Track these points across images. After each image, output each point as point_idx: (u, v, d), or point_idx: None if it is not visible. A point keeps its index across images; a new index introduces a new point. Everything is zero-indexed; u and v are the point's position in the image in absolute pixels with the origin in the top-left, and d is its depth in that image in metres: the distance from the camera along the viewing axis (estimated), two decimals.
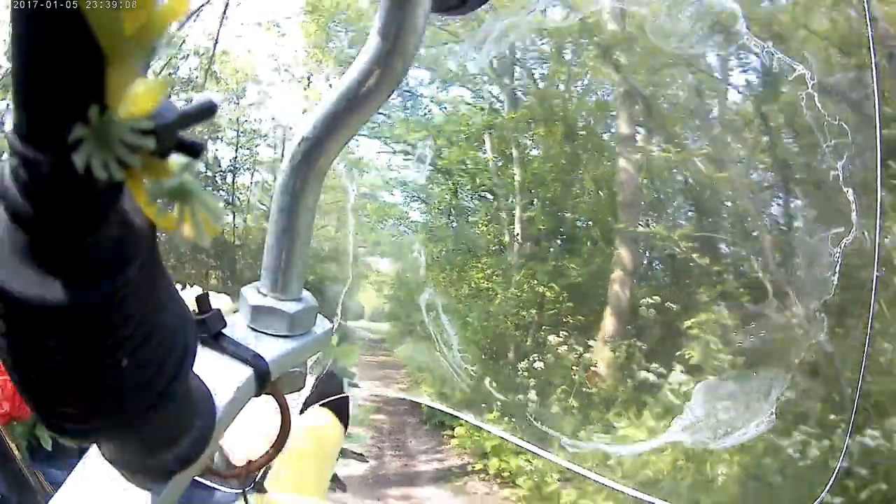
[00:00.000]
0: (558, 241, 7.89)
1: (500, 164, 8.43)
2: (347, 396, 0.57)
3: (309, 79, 10.17)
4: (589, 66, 7.23)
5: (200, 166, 0.25)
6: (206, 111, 0.22)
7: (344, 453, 1.02)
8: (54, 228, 0.21)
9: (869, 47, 3.97)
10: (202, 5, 9.28)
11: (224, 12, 9.48)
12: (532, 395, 5.59)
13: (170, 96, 0.20)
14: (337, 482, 0.99)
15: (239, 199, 10.44)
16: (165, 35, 0.19)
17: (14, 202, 0.21)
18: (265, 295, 0.44)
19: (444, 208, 9.73)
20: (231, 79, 9.90)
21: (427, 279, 8.82)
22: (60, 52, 0.18)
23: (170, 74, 9.44)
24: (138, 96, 0.19)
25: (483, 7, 0.42)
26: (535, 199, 7.88)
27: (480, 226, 8.89)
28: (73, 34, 0.18)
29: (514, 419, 5.60)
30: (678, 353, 5.14)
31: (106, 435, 0.30)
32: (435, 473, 5.54)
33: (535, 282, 6.80)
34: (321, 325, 0.46)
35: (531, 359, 5.97)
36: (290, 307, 0.43)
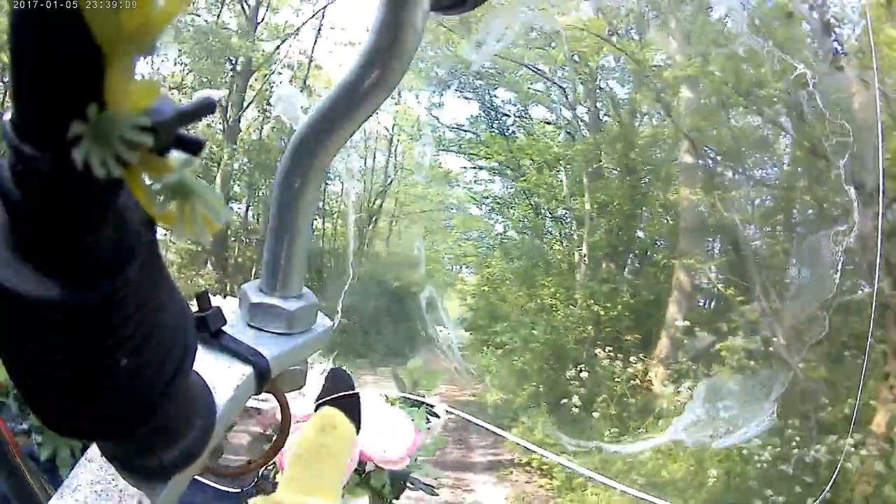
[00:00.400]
0: (620, 264, 8.27)
1: (574, 187, 8.87)
2: (358, 393, 0.59)
3: (399, 94, 10.99)
4: (657, 99, 7.61)
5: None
6: (205, 108, 0.22)
7: (414, 483, 1.04)
8: (54, 227, 0.21)
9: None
10: (300, 26, 10.25)
11: (318, 31, 10.38)
12: (576, 400, 6.12)
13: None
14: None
15: (329, 205, 11.37)
16: (164, 33, 0.19)
17: (13, 201, 0.21)
18: (265, 292, 0.44)
19: (522, 226, 10.24)
20: (324, 91, 10.70)
21: (503, 292, 9.41)
22: (60, 51, 0.18)
23: (268, 88, 10.33)
24: (136, 94, 0.19)
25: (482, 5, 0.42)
26: (602, 222, 8.29)
27: (553, 244, 9.38)
28: (73, 34, 0.18)
29: (558, 421, 6.16)
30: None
31: (105, 434, 0.30)
32: (487, 464, 6.26)
33: (592, 301, 7.28)
34: (321, 322, 0.46)
35: (579, 369, 6.49)
36: (290, 305, 0.43)
